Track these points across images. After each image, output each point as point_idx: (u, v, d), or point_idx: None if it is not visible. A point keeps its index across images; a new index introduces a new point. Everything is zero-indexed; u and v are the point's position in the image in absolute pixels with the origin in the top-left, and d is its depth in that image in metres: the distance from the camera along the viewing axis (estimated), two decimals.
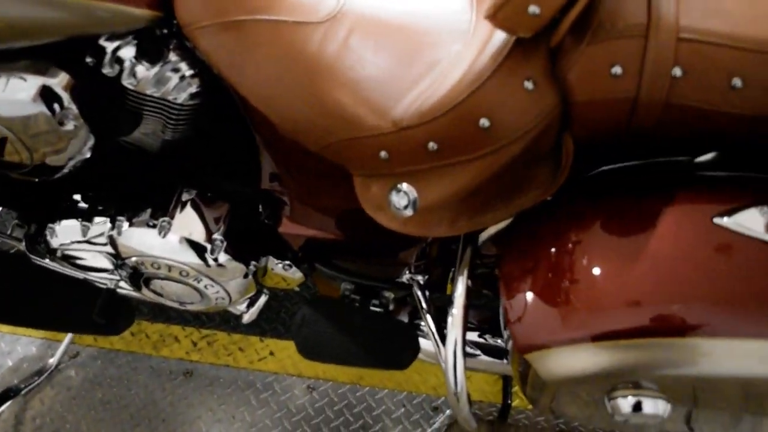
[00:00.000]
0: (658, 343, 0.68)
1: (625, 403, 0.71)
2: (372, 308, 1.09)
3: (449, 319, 0.85)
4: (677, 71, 0.63)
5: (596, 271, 0.71)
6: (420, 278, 1.07)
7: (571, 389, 0.76)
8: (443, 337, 0.96)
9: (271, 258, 1.16)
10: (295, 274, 1.19)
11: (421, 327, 1.09)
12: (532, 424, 1.47)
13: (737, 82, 0.62)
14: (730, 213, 0.67)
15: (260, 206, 1.08)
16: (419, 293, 1.05)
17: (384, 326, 1.06)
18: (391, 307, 1.15)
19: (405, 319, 1.13)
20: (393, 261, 1.07)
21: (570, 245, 0.74)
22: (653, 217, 0.70)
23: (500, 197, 0.79)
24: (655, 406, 0.71)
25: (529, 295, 0.75)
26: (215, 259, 1.04)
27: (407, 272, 1.08)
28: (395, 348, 1.04)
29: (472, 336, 1.12)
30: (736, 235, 0.66)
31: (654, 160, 0.78)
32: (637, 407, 0.71)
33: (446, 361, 0.84)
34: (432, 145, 0.72)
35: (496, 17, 0.63)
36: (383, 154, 0.76)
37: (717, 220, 0.67)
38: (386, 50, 0.79)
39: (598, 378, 0.71)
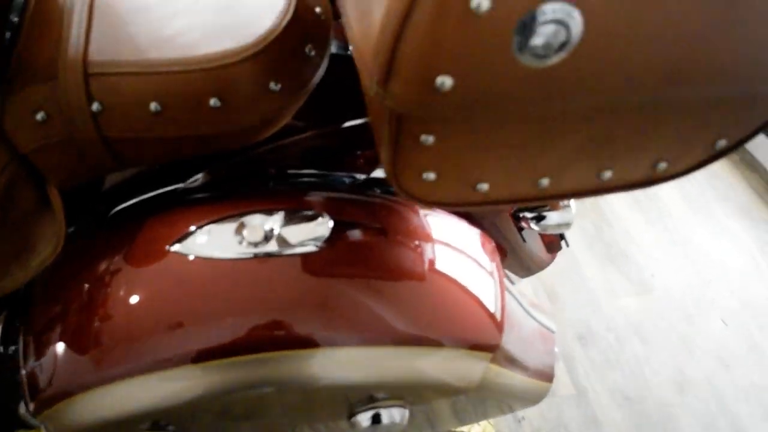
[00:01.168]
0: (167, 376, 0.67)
1: None
2: None
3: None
4: (96, 107, 0.62)
5: (82, 324, 0.69)
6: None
7: None
8: None
9: None
10: None
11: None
12: None
13: (155, 106, 0.62)
14: (182, 239, 0.68)
15: None
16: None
17: None
18: None
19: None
20: None
21: (60, 305, 0.72)
22: (116, 251, 0.70)
23: (10, 261, 0.75)
24: None
25: (41, 357, 0.71)
26: None
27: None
28: None
29: None
30: (188, 259, 0.68)
31: (161, 191, 0.78)
32: None
33: None
34: None
35: None
36: None
37: (172, 248, 0.68)
38: None
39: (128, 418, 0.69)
